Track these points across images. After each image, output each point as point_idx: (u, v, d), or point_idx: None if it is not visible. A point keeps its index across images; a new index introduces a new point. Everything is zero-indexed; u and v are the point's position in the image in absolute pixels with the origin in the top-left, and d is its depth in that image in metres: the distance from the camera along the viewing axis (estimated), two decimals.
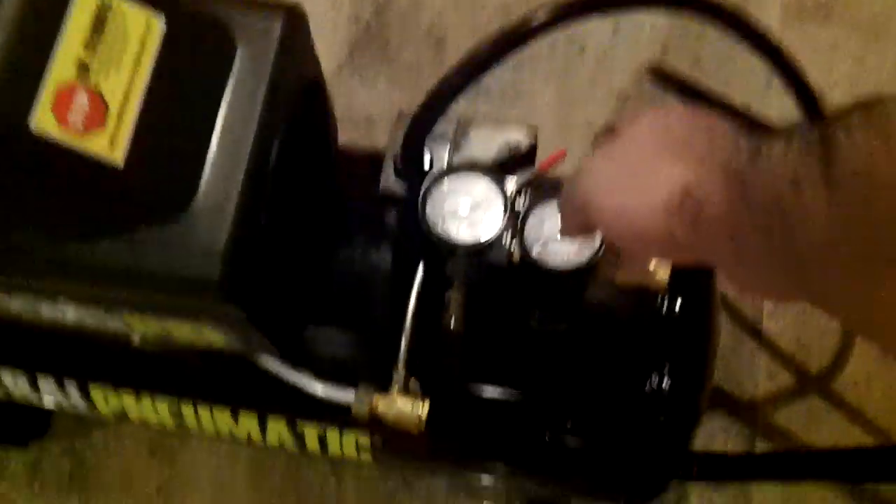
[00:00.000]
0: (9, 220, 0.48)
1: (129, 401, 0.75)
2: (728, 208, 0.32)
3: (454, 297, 0.60)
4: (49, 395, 0.77)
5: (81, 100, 0.44)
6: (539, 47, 0.80)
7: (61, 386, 0.76)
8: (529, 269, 0.56)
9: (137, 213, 0.47)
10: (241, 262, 0.49)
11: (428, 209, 0.55)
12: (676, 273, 0.59)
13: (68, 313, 0.56)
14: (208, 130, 0.49)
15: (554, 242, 0.56)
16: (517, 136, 0.60)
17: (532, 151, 0.60)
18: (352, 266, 0.67)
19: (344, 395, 0.65)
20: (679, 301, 0.66)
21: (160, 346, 0.62)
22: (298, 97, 0.56)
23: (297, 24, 0.53)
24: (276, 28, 0.52)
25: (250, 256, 0.50)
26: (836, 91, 1.04)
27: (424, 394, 0.65)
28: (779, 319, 1.01)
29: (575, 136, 1.07)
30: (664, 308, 0.65)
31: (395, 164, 0.59)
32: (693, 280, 0.68)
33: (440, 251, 0.56)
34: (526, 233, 0.56)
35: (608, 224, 0.37)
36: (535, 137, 0.60)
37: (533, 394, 0.66)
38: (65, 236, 0.48)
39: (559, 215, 0.45)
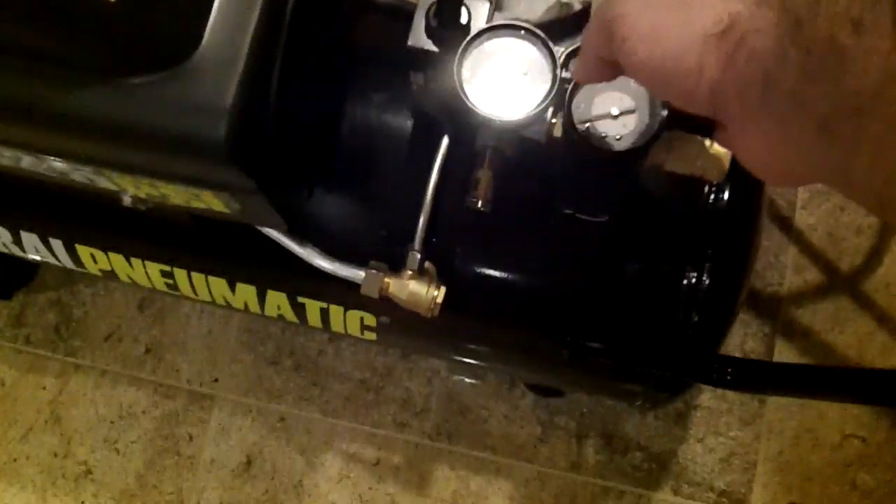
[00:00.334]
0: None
1: (118, 261, 0.69)
2: (774, 45, 0.29)
3: (483, 173, 0.54)
4: (34, 254, 0.71)
5: None
6: None
7: (46, 244, 0.70)
8: (573, 147, 0.49)
9: (133, 61, 0.40)
10: (250, 120, 0.43)
11: (464, 72, 0.48)
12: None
13: (54, 167, 0.50)
14: None
15: (604, 121, 0.49)
16: None
17: (585, 13, 0.52)
18: (367, 132, 0.61)
19: (353, 273, 0.59)
20: (727, 197, 0.60)
21: (153, 208, 0.56)
22: None
23: None
24: None
25: (260, 115, 0.44)
26: None
27: (441, 278, 0.59)
28: (812, 211, 0.95)
29: None
30: (710, 203, 0.58)
31: (427, 18, 0.51)
32: (742, 177, 0.62)
33: (474, 122, 0.49)
34: (574, 106, 0.49)
35: (633, 47, 0.33)
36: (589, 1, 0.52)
37: (559, 285, 0.61)
38: (54, 83, 0.40)
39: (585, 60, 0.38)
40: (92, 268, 0.71)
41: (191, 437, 0.92)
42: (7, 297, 0.93)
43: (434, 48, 0.52)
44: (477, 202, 0.54)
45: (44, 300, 0.95)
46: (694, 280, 0.60)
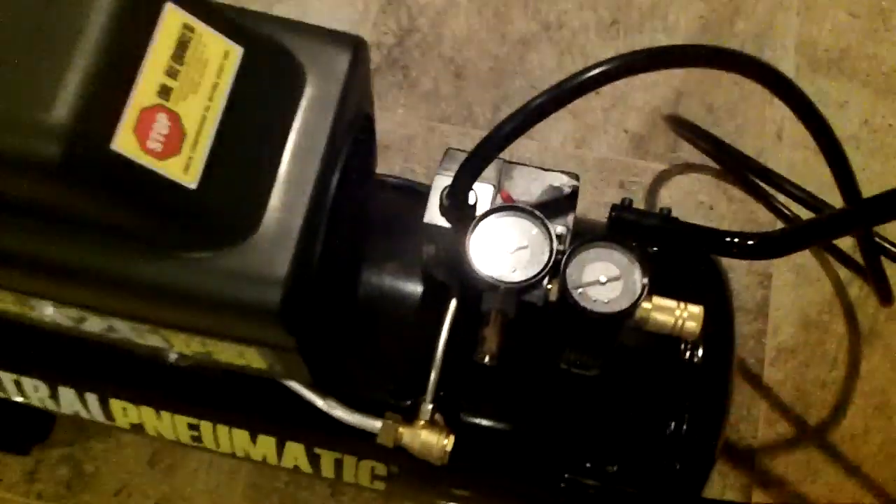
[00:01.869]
0: (76, 235, 0.48)
1: (148, 415, 0.75)
2: None
3: (489, 332, 0.61)
4: (68, 409, 0.77)
5: (161, 123, 0.45)
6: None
7: (82, 399, 0.76)
8: (568, 310, 0.58)
9: (205, 237, 0.48)
10: (299, 290, 0.50)
11: (472, 245, 0.56)
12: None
13: (114, 328, 0.57)
14: (276, 159, 0.51)
15: (593, 287, 0.57)
16: (560, 181, 0.62)
17: (574, 196, 0.62)
18: (380, 295, 0.69)
19: (369, 424, 0.65)
20: (701, 353, 0.68)
21: (194, 365, 0.62)
22: (356, 128, 0.57)
23: (361, 56, 0.55)
24: (345, 59, 0.53)
25: (305, 284, 0.51)
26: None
27: (449, 427, 0.66)
28: (780, 368, 1.03)
29: (588, 175, 1.10)
30: (687, 357, 0.66)
31: (441, 199, 0.60)
32: (715, 332, 0.70)
33: (480, 287, 0.58)
34: (567, 275, 0.57)
35: None
36: (577, 184, 0.62)
37: (556, 433, 0.67)
38: (132, 255, 0.48)
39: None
40: (121, 421, 0.77)
41: None
42: (25, 453, 0.97)
43: (446, 224, 0.61)
44: (484, 357, 0.61)
45: (56, 455, 0.99)
46: (675, 429, 0.67)
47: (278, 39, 0.52)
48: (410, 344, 0.67)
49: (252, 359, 0.58)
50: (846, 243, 0.94)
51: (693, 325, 0.60)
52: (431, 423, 0.66)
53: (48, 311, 0.57)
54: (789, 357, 1.04)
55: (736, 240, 0.69)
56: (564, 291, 0.57)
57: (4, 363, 0.74)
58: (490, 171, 0.62)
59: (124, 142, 0.44)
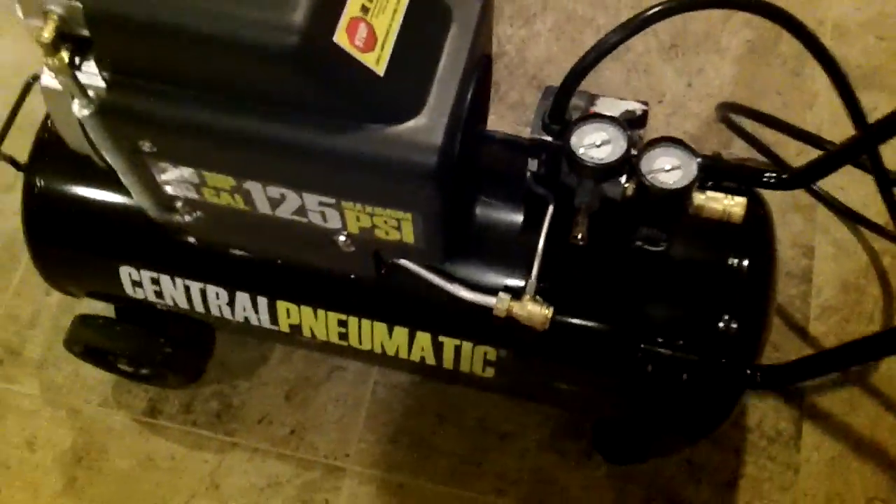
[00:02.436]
0: (293, 115, 0.70)
1: (306, 314, 0.95)
2: None
3: (580, 219, 0.81)
4: (241, 313, 0.98)
5: (363, 29, 0.67)
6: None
7: (254, 303, 0.96)
8: (642, 192, 0.77)
9: (386, 113, 0.70)
10: (447, 158, 0.71)
11: (573, 140, 0.77)
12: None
13: (305, 205, 0.78)
14: (433, 67, 0.72)
15: (660, 173, 0.77)
16: (633, 106, 0.82)
17: (644, 116, 0.82)
18: (495, 208, 0.89)
19: (488, 300, 0.85)
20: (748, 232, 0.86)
21: (360, 247, 0.83)
22: (482, 63, 0.78)
23: (488, 7, 0.77)
24: (477, 7, 0.75)
25: (451, 157, 0.72)
26: None
27: (548, 301, 0.85)
28: (823, 323, 1.19)
29: None
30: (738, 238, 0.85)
31: (543, 120, 0.81)
32: (758, 242, 0.89)
33: (577, 174, 0.78)
34: (641, 166, 0.77)
35: None
36: (647, 108, 0.82)
37: (632, 309, 0.86)
38: (335, 128, 0.69)
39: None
40: (283, 323, 0.97)
41: (326, 502, 1.13)
42: (196, 379, 1.17)
43: (549, 138, 0.81)
44: (577, 238, 0.81)
45: (208, 392, 1.19)
46: (729, 308, 0.85)
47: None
48: (519, 240, 0.87)
49: (406, 232, 0.79)
50: (882, 217, 1.11)
51: (739, 210, 0.79)
52: (535, 298, 0.85)
53: (258, 195, 0.78)
54: (832, 314, 1.20)
55: (772, 175, 0.88)
56: (640, 175, 0.77)
57: (193, 274, 0.96)
58: (580, 101, 0.82)
59: (340, 37, 0.66)
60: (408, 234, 0.79)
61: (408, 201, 0.74)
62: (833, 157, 0.88)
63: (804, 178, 0.92)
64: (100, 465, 1.16)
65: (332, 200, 0.77)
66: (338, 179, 0.74)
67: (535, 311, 0.84)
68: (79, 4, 0.67)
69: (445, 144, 0.70)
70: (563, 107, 0.79)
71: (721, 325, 0.84)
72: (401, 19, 0.70)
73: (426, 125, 0.70)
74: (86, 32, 0.69)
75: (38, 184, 0.99)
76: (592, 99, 0.82)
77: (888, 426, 1.13)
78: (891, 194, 0.97)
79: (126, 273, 0.98)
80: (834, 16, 1.42)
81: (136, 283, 0.98)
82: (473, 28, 0.75)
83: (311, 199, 0.77)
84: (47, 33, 0.68)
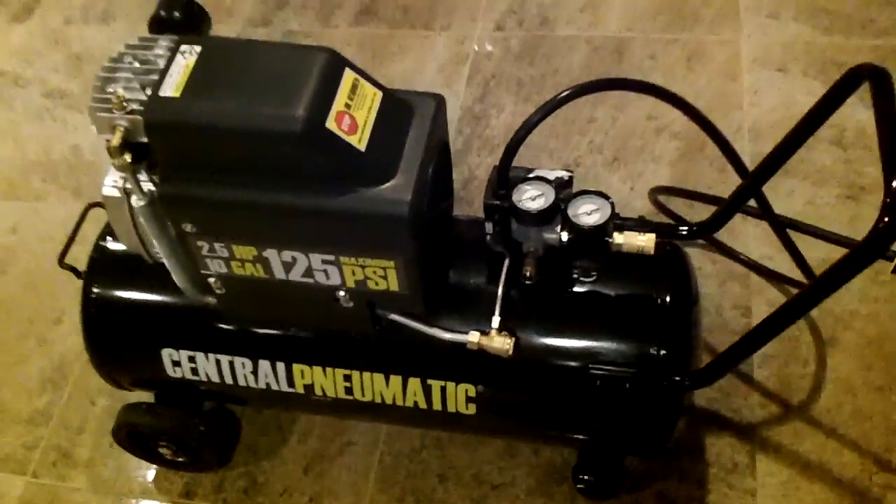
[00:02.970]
0: (293, 183, 0.93)
1: (317, 373, 1.15)
2: None
3: (529, 262, 1.03)
4: (262, 380, 1.18)
5: (347, 119, 0.92)
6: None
7: (274, 368, 1.16)
8: (573, 231, 0.99)
9: (366, 179, 0.93)
10: (417, 210, 0.94)
11: (514, 197, 1.00)
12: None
13: (311, 266, 1.00)
14: (401, 146, 0.96)
15: (584, 216, 0.99)
16: (562, 174, 1.06)
17: (570, 181, 1.05)
18: (462, 262, 1.11)
19: (463, 338, 1.05)
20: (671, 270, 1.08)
21: (357, 300, 1.04)
22: (439, 145, 1.03)
23: (442, 105, 1.02)
24: (433, 104, 1.01)
25: (420, 211, 0.95)
26: None
27: (510, 332, 1.05)
28: (766, 368, 1.38)
29: None
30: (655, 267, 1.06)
31: (491, 188, 1.04)
32: (678, 283, 1.11)
33: (521, 223, 1.00)
34: (569, 212, 1.00)
35: None
36: (573, 174, 1.06)
37: (581, 334, 1.06)
38: (327, 192, 0.93)
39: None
40: (298, 383, 1.16)
41: None
42: (225, 463, 1.35)
43: (497, 200, 1.04)
44: (528, 276, 1.03)
45: (236, 473, 1.37)
46: (658, 333, 1.05)
47: (398, 93, 1.00)
48: (484, 289, 1.09)
49: (392, 280, 1.00)
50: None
51: (650, 243, 1.02)
52: (500, 332, 1.05)
53: (274, 261, 1.01)
54: (772, 361, 1.39)
55: (685, 228, 1.12)
56: (568, 218, 0.99)
57: (222, 349, 1.16)
58: (519, 174, 1.06)
59: (331, 124, 0.90)
60: (393, 282, 1.01)
61: (390, 247, 0.97)
62: (727, 207, 1.12)
63: (708, 228, 1.15)
64: None
65: (332, 257, 0.99)
66: (335, 234, 0.97)
67: (499, 341, 1.04)
68: (140, 118, 0.92)
69: (414, 200, 0.93)
70: (505, 176, 1.03)
71: (652, 343, 1.04)
72: (376, 112, 0.95)
73: (398, 185, 0.94)
74: (144, 139, 0.94)
75: (94, 290, 1.21)
76: (528, 171, 1.06)
77: (830, 450, 1.30)
78: (785, 233, 1.19)
79: (167, 354, 1.19)
80: (749, 120, 1.70)
81: (176, 363, 1.19)
82: (430, 119, 1.00)
83: (316, 259, 1.00)
84: (115, 141, 0.93)
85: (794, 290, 1.43)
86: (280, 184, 0.94)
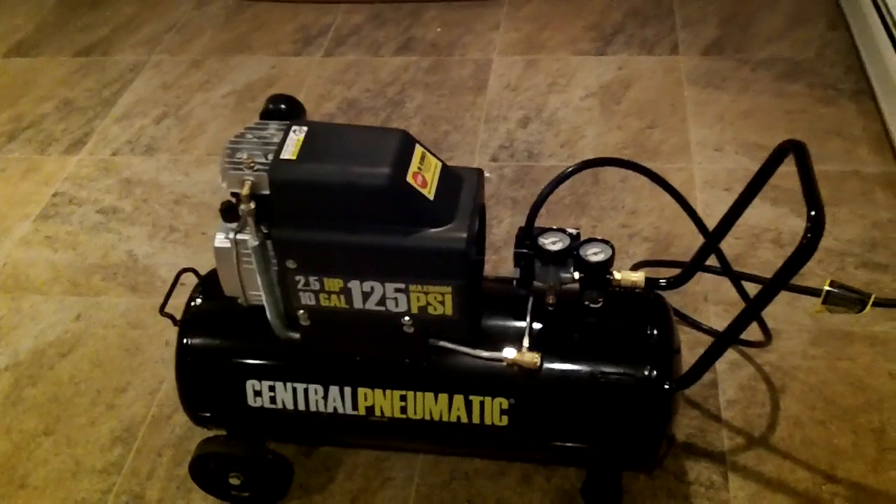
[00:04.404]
0: (376, 227, 1.25)
1: (378, 395, 1.43)
2: None
3: (550, 294, 1.35)
4: (331, 404, 1.44)
5: (419, 177, 1.26)
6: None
7: (342, 393, 1.44)
8: (583, 267, 1.32)
9: (433, 222, 1.26)
10: (469, 245, 1.26)
11: (539, 241, 1.33)
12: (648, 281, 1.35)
13: (381, 293, 1.30)
14: (457, 199, 1.29)
15: (591, 255, 1.32)
16: (572, 231, 1.40)
17: (578, 235, 1.39)
18: (495, 297, 1.42)
19: (500, 356, 1.35)
20: (656, 310, 1.40)
21: (416, 327, 1.34)
22: (481, 205, 1.37)
23: (482, 175, 1.36)
24: (476, 175, 1.35)
25: (472, 246, 1.27)
26: None
27: (537, 349, 1.35)
28: (731, 410, 1.69)
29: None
30: (644, 308, 1.39)
31: (518, 240, 1.37)
32: (661, 304, 1.43)
33: (543, 262, 1.33)
34: (580, 252, 1.33)
35: None
36: (580, 231, 1.40)
37: (588, 350, 1.37)
38: (403, 234, 1.25)
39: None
40: (361, 406, 1.43)
41: None
42: (282, 498, 1.58)
43: (525, 250, 1.37)
44: (550, 304, 1.34)
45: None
46: (649, 338, 1.37)
47: (452, 169, 1.34)
48: (513, 319, 1.39)
49: (447, 305, 1.31)
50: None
51: (641, 279, 1.35)
52: (528, 349, 1.36)
53: (356, 291, 1.31)
54: (735, 405, 1.70)
55: (664, 281, 1.46)
56: (580, 256, 1.32)
57: (298, 378, 1.44)
58: (539, 232, 1.40)
59: (410, 179, 1.24)
60: (448, 307, 1.31)
61: (449, 275, 1.27)
62: (692, 263, 1.46)
63: (680, 281, 1.49)
64: None
65: (403, 285, 1.30)
66: (407, 265, 1.28)
67: (529, 356, 1.35)
68: (265, 174, 1.24)
69: (468, 237, 1.26)
70: (530, 231, 1.37)
71: (646, 361, 1.35)
72: (438, 175, 1.29)
73: (456, 227, 1.26)
74: (264, 192, 1.26)
75: (187, 339, 1.49)
76: (545, 229, 1.40)
77: (787, 469, 1.58)
78: (739, 284, 1.53)
79: (250, 385, 1.45)
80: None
81: (257, 393, 1.45)
82: (475, 184, 1.34)
83: (390, 288, 1.30)
84: (245, 191, 1.25)
85: (751, 350, 1.76)
86: (367, 227, 1.25)
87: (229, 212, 1.31)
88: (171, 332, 1.89)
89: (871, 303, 1.29)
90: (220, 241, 1.34)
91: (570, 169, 1.35)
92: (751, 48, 2.74)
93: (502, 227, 2.13)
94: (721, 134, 2.40)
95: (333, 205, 1.25)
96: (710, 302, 1.91)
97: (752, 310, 1.23)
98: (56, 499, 1.64)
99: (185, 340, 1.48)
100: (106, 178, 2.45)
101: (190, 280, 1.52)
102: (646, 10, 2.99)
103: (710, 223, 1.87)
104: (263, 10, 3.24)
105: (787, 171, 1.40)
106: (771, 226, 2.09)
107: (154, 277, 2.11)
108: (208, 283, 1.52)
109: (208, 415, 1.53)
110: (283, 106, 1.36)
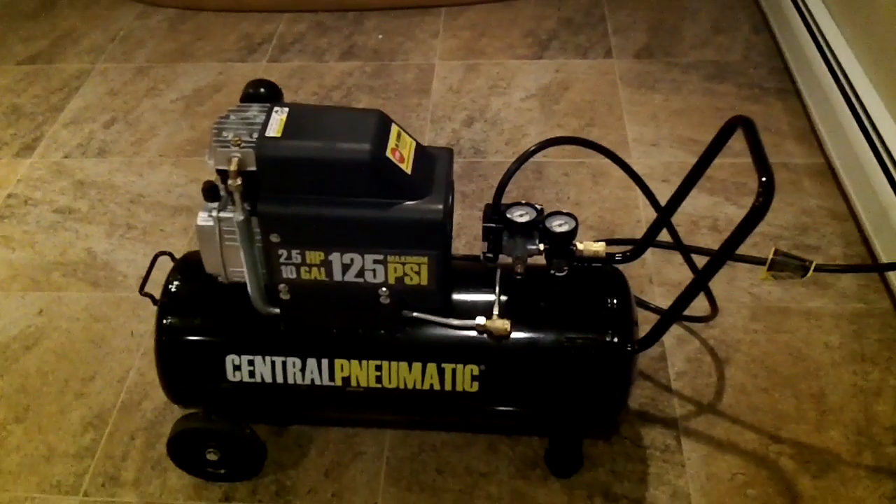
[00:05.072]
0: (357, 201, 1.33)
1: (354, 366, 1.50)
2: None
3: (518, 264, 1.44)
4: (308, 376, 1.50)
5: (397, 153, 1.34)
6: None
7: (319, 365, 1.50)
8: (548, 237, 1.42)
9: (411, 195, 1.34)
10: (446, 216, 1.34)
11: (508, 214, 1.42)
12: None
13: (360, 264, 1.38)
14: (432, 174, 1.38)
15: (556, 226, 1.42)
16: (537, 207, 1.49)
17: (542, 210, 1.48)
18: (463, 274, 1.51)
19: (471, 324, 1.43)
20: (614, 281, 1.51)
21: (393, 296, 1.41)
22: (450, 181, 1.45)
23: (451, 154, 1.45)
24: (447, 153, 1.44)
25: (447, 218, 1.36)
26: None
27: (506, 317, 1.44)
28: (680, 380, 1.80)
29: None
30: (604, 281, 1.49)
31: (487, 213, 1.46)
32: (618, 277, 1.53)
33: (511, 234, 1.42)
34: (546, 223, 1.43)
35: None
36: (542, 207, 1.49)
37: (556, 315, 1.47)
38: (381, 207, 1.33)
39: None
40: (338, 377, 1.50)
41: None
42: (256, 473, 1.63)
43: (493, 224, 1.46)
44: (518, 273, 1.44)
45: (267, 480, 1.63)
46: (609, 305, 1.47)
47: (427, 149, 1.42)
48: (482, 290, 1.48)
49: (423, 275, 1.39)
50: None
51: (602, 249, 1.46)
52: (498, 316, 1.44)
53: (336, 263, 1.38)
54: (683, 376, 1.81)
55: (619, 255, 1.56)
56: (546, 227, 1.42)
57: (276, 351, 1.50)
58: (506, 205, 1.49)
59: (389, 154, 1.32)
60: (424, 277, 1.39)
61: (426, 245, 1.36)
62: (645, 238, 1.57)
63: (634, 255, 1.60)
64: None
65: (381, 256, 1.37)
66: (386, 237, 1.35)
67: (500, 323, 1.43)
68: (252, 151, 1.31)
69: (444, 209, 1.34)
70: (497, 205, 1.46)
71: (608, 326, 1.45)
72: (413, 151, 1.37)
73: (434, 199, 1.34)
74: (252, 168, 1.32)
75: (166, 318, 1.53)
76: (512, 204, 1.49)
77: (735, 432, 1.70)
78: (690, 258, 1.65)
79: (230, 360, 1.51)
80: (644, 216, 2.20)
81: (237, 367, 1.51)
82: (447, 161, 1.42)
83: (369, 259, 1.38)
84: (233, 167, 1.31)
85: (696, 326, 1.89)
86: (349, 200, 1.33)
87: (211, 192, 1.37)
88: (137, 324, 1.94)
89: (812, 268, 1.41)
90: (203, 219, 1.40)
91: (533, 147, 1.45)
92: (679, 52, 2.90)
93: (454, 220, 2.22)
94: (656, 130, 2.54)
95: (317, 179, 1.32)
96: (654, 283, 2.03)
97: (707, 272, 1.34)
98: (31, 483, 1.66)
99: (164, 320, 1.53)
100: (59, 180, 2.46)
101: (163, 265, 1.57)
102: (578, 19, 3.13)
103: (651, 214, 1.99)
104: (205, 20, 3.28)
105: (721, 162, 1.53)
106: (708, 213, 2.23)
107: (114, 273, 2.14)
108: (185, 265, 1.57)
109: (187, 392, 1.57)
110: (262, 90, 1.43)
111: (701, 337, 1.89)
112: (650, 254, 2.03)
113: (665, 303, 1.91)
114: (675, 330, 1.90)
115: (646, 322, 1.60)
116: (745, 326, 1.91)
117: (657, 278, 2.04)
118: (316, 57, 3.00)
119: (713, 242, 2.11)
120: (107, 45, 3.13)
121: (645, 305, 1.92)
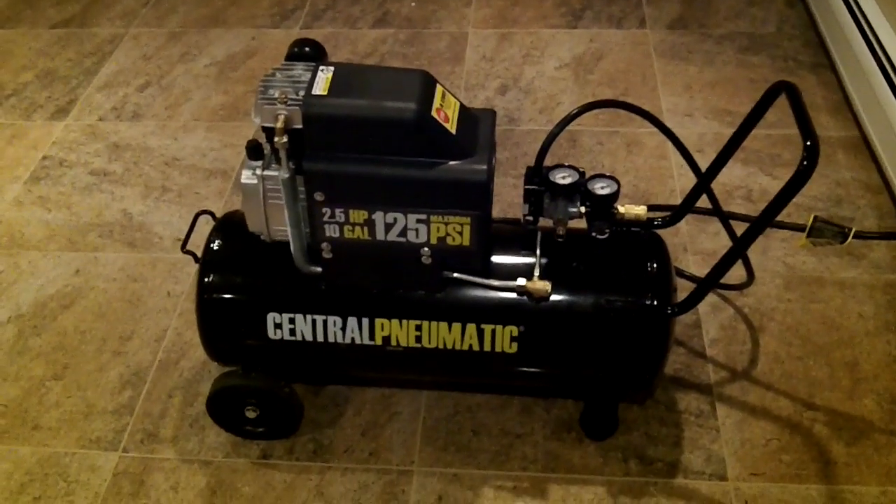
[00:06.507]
0: (405, 161, 1.34)
1: (394, 326, 1.51)
2: None
3: (560, 226, 1.45)
4: (349, 334, 1.52)
5: (442, 113, 1.34)
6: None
7: (360, 324, 1.51)
8: (590, 199, 1.42)
9: (456, 155, 1.34)
10: (489, 177, 1.35)
11: (550, 176, 1.42)
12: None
13: (403, 223, 1.38)
14: (476, 134, 1.38)
15: (598, 189, 1.42)
16: (580, 170, 1.50)
17: (584, 173, 1.48)
18: (503, 231, 1.52)
19: (513, 285, 1.44)
20: (655, 245, 1.51)
21: (435, 257, 1.42)
22: (494, 142, 1.45)
23: (495, 116, 1.45)
24: (490, 114, 1.44)
25: (491, 178, 1.36)
26: None
27: (547, 279, 1.45)
28: (714, 347, 1.80)
29: None
30: (644, 245, 1.49)
31: (528, 176, 1.47)
32: (658, 254, 1.53)
33: (553, 197, 1.42)
34: (588, 185, 1.43)
35: None
36: (584, 170, 1.50)
37: (596, 276, 1.47)
38: (428, 167, 1.33)
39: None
40: (378, 336, 1.51)
41: (403, 492, 1.59)
42: (294, 432, 1.65)
43: (535, 187, 1.46)
44: (560, 235, 1.44)
45: (304, 439, 1.66)
46: (649, 269, 1.47)
47: (470, 110, 1.43)
48: (523, 252, 1.49)
49: (465, 236, 1.40)
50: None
51: (643, 212, 1.46)
52: (539, 277, 1.45)
53: (379, 223, 1.39)
54: (718, 343, 1.82)
55: (658, 220, 1.56)
56: (589, 189, 1.42)
57: (317, 310, 1.51)
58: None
59: (434, 114, 1.32)
60: (466, 237, 1.40)
61: (469, 206, 1.36)
62: (684, 203, 1.57)
63: (673, 220, 1.60)
64: (231, 493, 1.60)
65: (424, 216, 1.38)
66: (430, 196, 1.36)
67: (541, 284, 1.44)
68: (298, 108, 1.32)
69: (488, 169, 1.35)
70: (539, 168, 1.46)
71: (648, 289, 1.45)
72: (458, 112, 1.38)
73: (478, 160, 1.35)
74: (298, 126, 1.33)
75: (208, 276, 1.55)
76: (554, 166, 1.49)
77: (769, 399, 1.71)
78: (729, 224, 1.65)
79: (271, 318, 1.52)
80: (679, 185, 2.19)
81: (277, 325, 1.52)
82: (490, 122, 1.43)
83: (412, 219, 1.39)
84: (280, 124, 1.32)
85: (730, 294, 1.89)
86: (394, 159, 1.34)
87: (255, 150, 1.38)
88: (173, 284, 1.96)
89: (851, 235, 1.41)
90: (248, 177, 1.41)
91: (575, 110, 1.44)
92: (713, 23, 2.88)
93: None
94: (690, 101, 2.53)
95: (363, 138, 1.33)
96: (689, 252, 2.03)
97: (747, 237, 1.34)
98: (71, 438, 1.69)
99: (205, 278, 1.54)
100: (94, 142, 2.48)
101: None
102: None
103: (685, 183, 1.99)
104: None
105: (756, 133, 1.52)
106: (742, 183, 2.22)
107: (150, 234, 2.15)
108: (225, 224, 1.59)
109: (227, 350, 1.59)
110: (307, 49, 1.43)
111: (735, 305, 1.89)
112: (685, 223, 2.03)
113: (700, 271, 1.91)
114: (710, 298, 1.91)
115: (683, 290, 1.60)
116: (780, 295, 1.91)
117: (692, 247, 2.04)
118: (349, 24, 2.99)
119: (747, 212, 2.10)
120: (139, 10, 3.14)
121: (681, 273, 1.92)
